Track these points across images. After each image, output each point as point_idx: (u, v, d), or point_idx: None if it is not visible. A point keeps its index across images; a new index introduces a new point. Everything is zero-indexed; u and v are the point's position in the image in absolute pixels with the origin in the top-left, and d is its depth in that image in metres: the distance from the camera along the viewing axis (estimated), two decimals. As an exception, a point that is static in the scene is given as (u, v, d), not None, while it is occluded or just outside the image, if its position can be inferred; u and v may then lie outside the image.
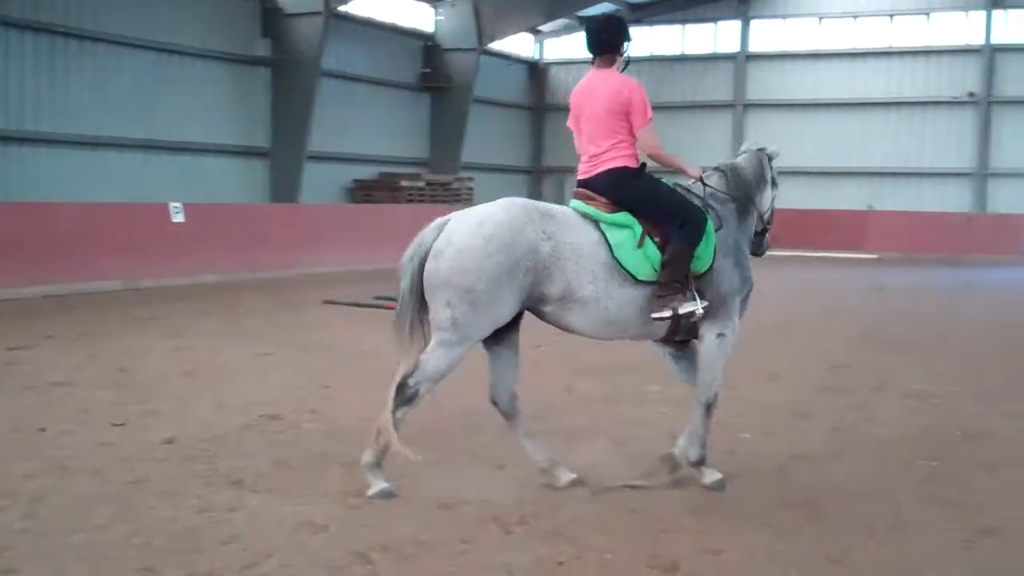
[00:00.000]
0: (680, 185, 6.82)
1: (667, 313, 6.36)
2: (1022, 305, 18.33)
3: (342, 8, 29.12)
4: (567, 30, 40.29)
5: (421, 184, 31.53)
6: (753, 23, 38.39)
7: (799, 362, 11.38)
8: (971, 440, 8.09)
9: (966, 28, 35.69)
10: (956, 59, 35.62)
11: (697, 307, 6.39)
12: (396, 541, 5.45)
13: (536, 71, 41.19)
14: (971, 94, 35.18)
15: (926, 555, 5.46)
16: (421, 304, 6.21)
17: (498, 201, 6.37)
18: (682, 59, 39.16)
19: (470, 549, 5.38)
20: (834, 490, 6.60)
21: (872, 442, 7.93)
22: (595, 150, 6.56)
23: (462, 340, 6.14)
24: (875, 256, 30.40)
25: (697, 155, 39.40)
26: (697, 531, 5.73)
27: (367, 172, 31.75)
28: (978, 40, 35.32)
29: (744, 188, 6.98)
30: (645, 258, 6.34)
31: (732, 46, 38.63)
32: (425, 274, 6.14)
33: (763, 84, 38.05)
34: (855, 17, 36.88)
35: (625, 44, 6.70)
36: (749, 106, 38.22)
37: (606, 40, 6.66)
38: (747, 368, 10.11)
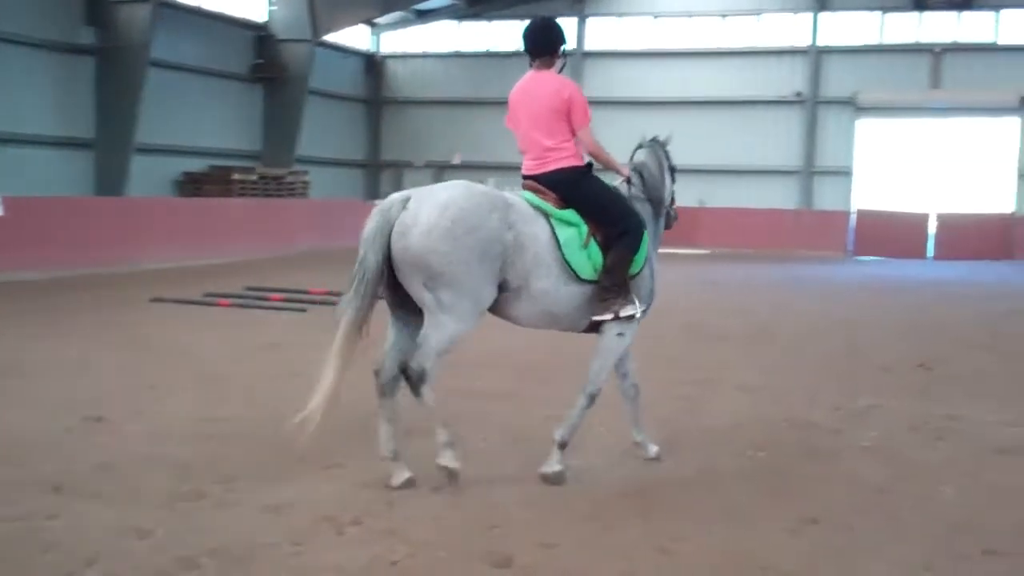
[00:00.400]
0: (612, 185, 7.13)
1: (608, 316, 6.67)
2: (845, 299, 18.98)
3: (171, -5, 28.46)
4: (404, 23, 40.13)
5: (254, 178, 30.93)
6: (589, 21, 38.76)
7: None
8: (796, 430, 8.37)
9: (794, 30, 36.78)
10: (784, 60, 36.73)
11: (636, 311, 6.75)
12: (226, 545, 5.35)
13: (373, 64, 40.83)
14: (798, 94, 36.31)
15: (753, 543, 5.61)
16: (381, 281, 6.27)
17: (455, 183, 6.48)
18: (520, 55, 39.13)
19: (302, 551, 5.32)
20: (664, 481, 6.75)
21: (702, 433, 8.13)
22: (542, 147, 6.81)
23: (458, 321, 6.22)
24: (707, 251, 31.19)
25: None
26: (531, 525, 5.78)
27: (197, 165, 30.94)
28: (805, 41, 36.51)
29: (655, 190, 7.40)
30: (588, 258, 6.59)
31: (569, 43, 38.72)
32: (395, 253, 6.21)
33: (600, 82, 38.28)
34: (689, 16, 37.62)
35: (562, 47, 7.02)
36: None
37: (544, 43, 6.98)
38: (583, 364, 10.30)
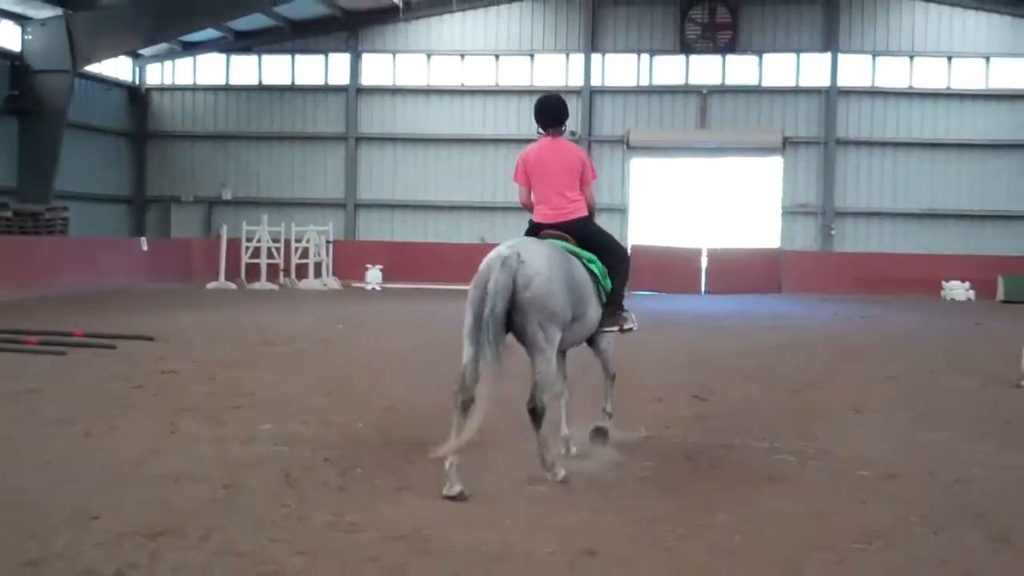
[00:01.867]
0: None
1: (616, 328, 8.64)
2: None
3: (-86, 21, 26.81)
4: (170, 55, 39.31)
5: (8, 215, 29.46)
6: (364, 57, 38.83)
7: (413, 392, 11.45)
8: (575, 462, 8.39)
9: (567, 70, 37.80)
10: (558, 99, 37.35)
11: (634, 324, 8.76)
12: (-28, 606, 5.01)
13: (137, 96, 39.76)
14: (573, 132, 36.98)
15: (533, 579, 5.62)
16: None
17: (533, 241, 8.04)
18: (292, 89, 39.13)
19: (58, 608, 5.03)
20: (443, 520, 6.70)
21: (483, 468, 7.99)
22: (563, 201, 8.47)
23: (555, 353, 7.83)
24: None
25: (313, 186, 37.40)
26: (307, 570, 5.65)
27: (-55, 201, 29.31)
28: (578, 82, 37.46)
29: None
30: (606, 285, 8.41)
31: (343, 79, 38.86)
32: (522, 299, 7.52)
33: (376, 118, 38.58)
34: (462, 56, 38.10)
35: (567, 118, 8.85)
36: (362, 139, 38.63)
37: (558, 115, 8.70)
38: (366, 395, 10.47)
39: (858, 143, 36.26)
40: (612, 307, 8.50)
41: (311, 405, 10.73)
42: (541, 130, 8.70)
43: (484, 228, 36.33)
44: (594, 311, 8.25)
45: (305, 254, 31.73)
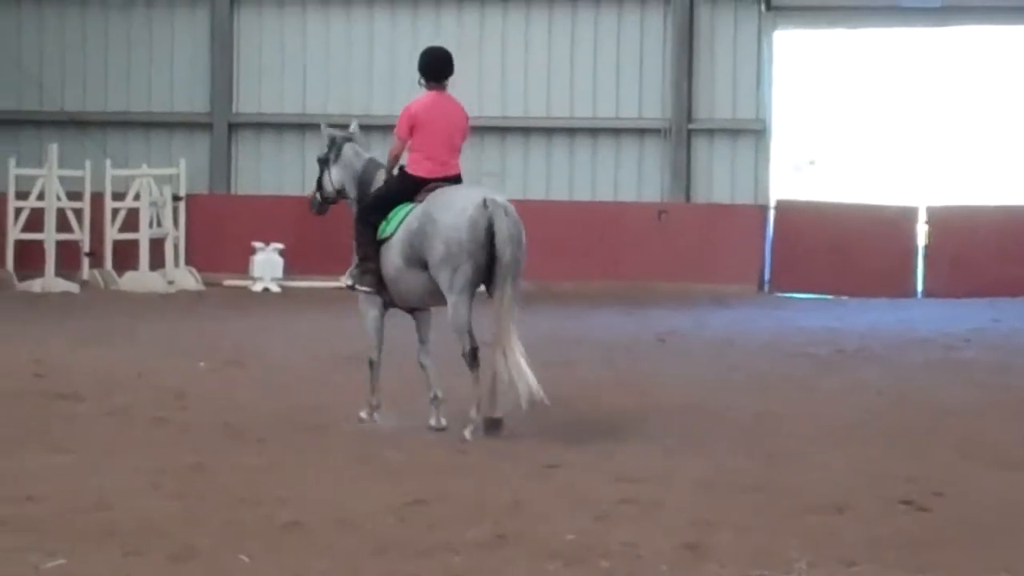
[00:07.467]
0: None
1: None
2: (764, 381, 13.24)
3: None
4: None
5: None
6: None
7: (347, 497, 8.24)
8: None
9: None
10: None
11: None
12: None
13: None
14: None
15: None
16: None
17: (481, 186, 10.86)
18: None
19: None
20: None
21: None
22: (451, 155, 9.69)
23: None
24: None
25: (147, 88, 27.84)
26: None
27: None
28: None
29: None
30: None
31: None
32: (521, 254, 9.07)
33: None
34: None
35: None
36: None
37: (447, 69, 9.80)
38: (251, 501, 8.16)
39: None
40: None
41: (146, 514, 7.46)
42: (424, 82, 9.59)
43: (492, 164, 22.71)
44: None
45: (133, 222, 22.70)
